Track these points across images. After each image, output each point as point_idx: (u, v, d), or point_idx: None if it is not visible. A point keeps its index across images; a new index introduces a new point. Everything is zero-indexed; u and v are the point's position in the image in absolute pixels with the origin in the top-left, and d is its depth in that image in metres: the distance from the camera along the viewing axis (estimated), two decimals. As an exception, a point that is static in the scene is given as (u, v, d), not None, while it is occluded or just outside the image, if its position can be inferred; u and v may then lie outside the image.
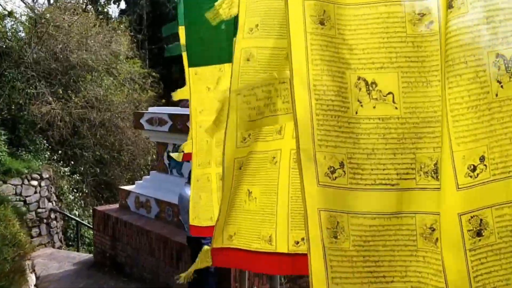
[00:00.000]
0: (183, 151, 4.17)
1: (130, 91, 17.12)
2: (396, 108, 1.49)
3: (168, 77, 22.36)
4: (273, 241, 2.47)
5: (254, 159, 2.45)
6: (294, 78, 1.56)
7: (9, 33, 15.27)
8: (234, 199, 2.51)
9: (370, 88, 1.51)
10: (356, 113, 1.52)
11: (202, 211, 3.64)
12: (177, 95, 4.45)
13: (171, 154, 4.57)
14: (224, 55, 3.58)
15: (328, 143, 1.54)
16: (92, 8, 19.47)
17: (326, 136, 1.54)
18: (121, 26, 18.52)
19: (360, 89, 1.52)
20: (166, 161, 8.40)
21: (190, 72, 3.84)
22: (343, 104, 1.53)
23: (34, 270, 6.43)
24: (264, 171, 2.47)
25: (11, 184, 10.73)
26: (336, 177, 1.53)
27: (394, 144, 1.49)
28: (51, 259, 9.53)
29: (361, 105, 1.52)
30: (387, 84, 1.50)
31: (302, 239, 2.44)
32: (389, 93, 1.50)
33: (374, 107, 1.51)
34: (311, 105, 1.54)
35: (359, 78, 1.52)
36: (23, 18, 16.20)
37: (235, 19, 2.87)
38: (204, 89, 3.75)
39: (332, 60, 1.55)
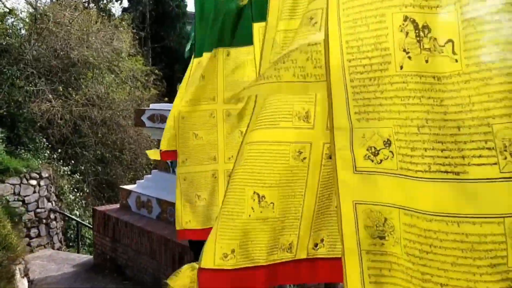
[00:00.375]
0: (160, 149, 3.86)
1: (132, 89, 16.86)
2: (456, 61, 1.04)
3: (171, 75, 22.16)
4: (293, 247, 2.04)
5: (262, 151, 1.90)
6: (330, 37, 1.19)
7: (9, 31, 14.99)
8: (229, 205, 1.95)
9: (421, 34, 1.08)
10: (401, 68, 1.10)
11: (202, 212, 3.30)
12: None
13: (147, 152, 4.20)
14: (224, 39, 3.28)
15: (369, 115, 1.15)
16: (94, 7, 19.21)
17: (365, 106, 1.15)
18: (123, 23, 18.21)
19: (407, 33, 1.09)
20: (168, 160, 8.10)
21: (194, 63, 3.54)
22: (382, 60, 1.13)
23: (27, 275, 6.13)
24: (286, 170, 1.92)
25: (9, 183, 10.43)
26: (381, 160, 1.14)
27: (457, 114, 1.03)
28: (50, 261, 9.26)
29: (408, 57, 1.09)
30: (444, 29, 1.06)
31: (322, 240, 2.06)
32: (449, 41, 1.05)
33: (426, 61, 1.07)
34: (344, 69, 1.17)
35: (406, 19, 1.09)
36: (23, 15, 15.97)
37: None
38: (199, 77, 3.42)
39: (367, 3, 1.16)
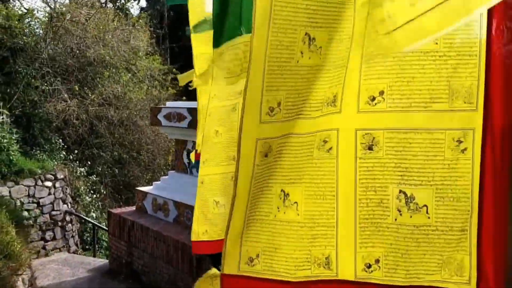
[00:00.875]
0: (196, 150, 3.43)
1: (149, 88, 16.58)
2: None
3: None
4: (332, 263, 1.66)
5: (291, 145, 1.67)
6: None
7: (26, 30, 14.79)
8: (257, 205, 1.73)
9: None
10: None
11: (220, 221, 2.86)
12: (184, 79, 3.80)
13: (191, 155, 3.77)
14: (244, 25, 2.86)
15: None
16: (112, 7, 18.99)
17: None
18: (140, 21, 17.92)
19: None
20: (186, 160, 7.73)
21: (216, 54, 3.12)
22: None
23: (32, 284, 5.76)
24: (310, 163, 1.66)
25: (23, 185, 10.16)
26: None
27: None
28: (65, 265, 9.04)
29: None
30: None
31: (377, 261, 1.63)
32: None
33: None
34: None
35: None
36: (40, 14, 15.79)
37: None
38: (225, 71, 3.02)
39: None
